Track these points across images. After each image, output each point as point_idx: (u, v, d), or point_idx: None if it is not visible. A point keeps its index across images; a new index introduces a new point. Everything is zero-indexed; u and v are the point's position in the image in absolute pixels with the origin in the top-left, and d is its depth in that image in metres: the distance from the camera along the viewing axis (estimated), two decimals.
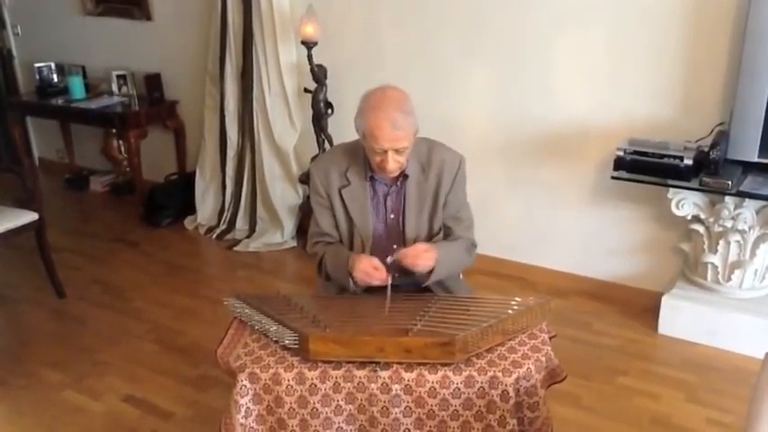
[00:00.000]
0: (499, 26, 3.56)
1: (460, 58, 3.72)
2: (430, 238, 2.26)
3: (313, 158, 4.22)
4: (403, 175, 2.20)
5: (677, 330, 3.25)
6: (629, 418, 2.74)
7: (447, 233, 2.28)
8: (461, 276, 2.53)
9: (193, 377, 3.07)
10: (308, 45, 3.88)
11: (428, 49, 3.80)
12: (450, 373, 1.85)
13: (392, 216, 2.25)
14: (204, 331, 3.37)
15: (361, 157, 2.21)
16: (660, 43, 3.19)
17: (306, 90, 4.13)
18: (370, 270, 2.09)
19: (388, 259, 2.10)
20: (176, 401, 2.91)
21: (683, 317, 3.22)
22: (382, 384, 1.86)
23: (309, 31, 3.85)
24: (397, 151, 2.07)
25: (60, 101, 5.07)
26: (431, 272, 2.14)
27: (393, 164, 2.09)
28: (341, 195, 2.23)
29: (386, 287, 2.09)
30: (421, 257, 2.09)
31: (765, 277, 3.18)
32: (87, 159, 5.67)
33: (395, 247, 2.23)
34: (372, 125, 2.04)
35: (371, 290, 2.17)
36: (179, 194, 4.83)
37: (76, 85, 5.03)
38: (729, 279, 3.16)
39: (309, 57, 3.91)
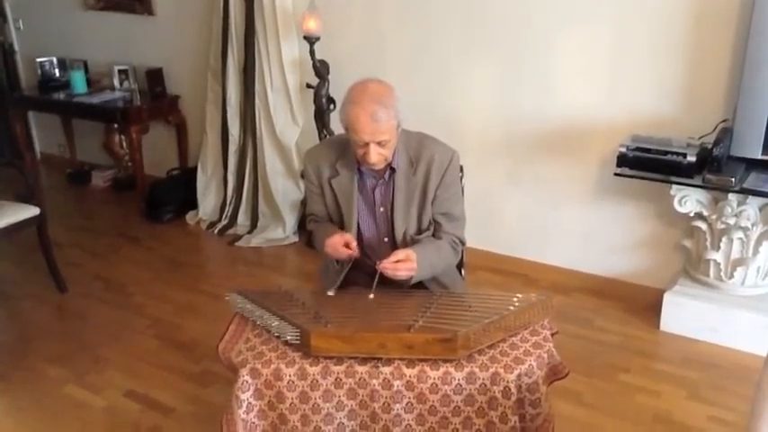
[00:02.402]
0: (502, 22, 3.55)
1: (463, 54, 3.71)
2: (419, 233, 2.27)
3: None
4: (390, 168, 2.21)
5: (679, 327, 3.25)
6: (631, 415, 2.74)
7: (436, 229, 2.29)
8: (463, 272, 2.53)
9: (195, 373, 3.07)
10: (310, 40, 3.87)
11: (430, 45, 3.80)
12: (451, 370, 1.84)
13: (381, 209, 2.27)
14: (206, 327, 3.37)
15: (351, 149, 2.22)
16: (663, 39, 3.18)
17: (308, 85, 4.12)
18: (338, 246, 2.14)
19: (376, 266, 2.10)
20: (178, 397, 2.91)
21: (685, 314, 3.22)
22: (384, 380, 1.85)
23: (311, 26, 3.84)
24: (379, 144, 2.08)
25: (62, 95, 5.07)
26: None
27: (376, 156, 2.10)
28: (330, 185, 2.27)
29: (373, 275, 2.10)
30: (400, 269, 2.09)
31: None
32: (89, 154, 5.67)
33: (385, 240, 2.26)
34: (352, 118, 2.05)
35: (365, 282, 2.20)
36: (181, 190, 4.82)
37: (78, 80, 5.03)
38: (732, 276, 3.15)
39: (311, 52, 3.91)
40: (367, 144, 2.07)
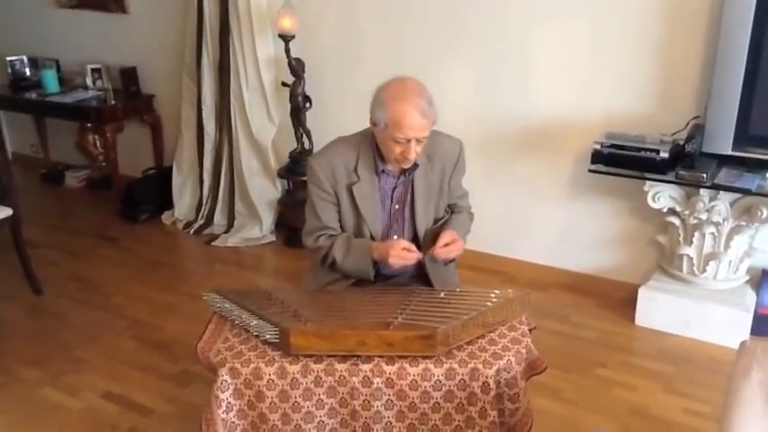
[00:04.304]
0: (479, 21, 3.57)
1: (440, 53, 3.72)
2: (435, 222, 2.32)
3: (292, 153, 4.21)
4: (412, 166, 2.22)
5: (654, 322, 3.29)
6: (608, 409, 2.77)
7: (453, 210, 2.39)
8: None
9: (173, 373, 3.05)
10: (286, 38, 3.87)
11: (407, 43, 3.80)
12: (431, 366, 1.86)
13: (397, 207, 2.28)
14: (184, 327, 3.34)
15: (370, 151, 2.21)
16: (637, 38, 3.22)
17: (284, 84, 4.11)
18: (403, 253, 2.13)
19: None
20: (156, 397, 2.89)
21: (659, 308, 3.26)
22: (363, 377, 1.86)
23: (286, 24, 3.83)
24: (418, 140, 2.10)
25: (34, 95, 5.00)
26: None
27: (414, 153, 2.12)
28: (350, 192, 2.22)
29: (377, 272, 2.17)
30: (452, 250, 2.18)
31: (739, 268, 3.22)
32: (62, 154, 5.59)
33: (395, 237, 2.26)
34: (399, 115, 2.04)
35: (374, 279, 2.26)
36: (156, 189, 4.78)
37: (50, 79, 4.97)
38: (704, 270, 3.20)
39: (287, 50, 3.90)
40: (409, 141, 2.08)
